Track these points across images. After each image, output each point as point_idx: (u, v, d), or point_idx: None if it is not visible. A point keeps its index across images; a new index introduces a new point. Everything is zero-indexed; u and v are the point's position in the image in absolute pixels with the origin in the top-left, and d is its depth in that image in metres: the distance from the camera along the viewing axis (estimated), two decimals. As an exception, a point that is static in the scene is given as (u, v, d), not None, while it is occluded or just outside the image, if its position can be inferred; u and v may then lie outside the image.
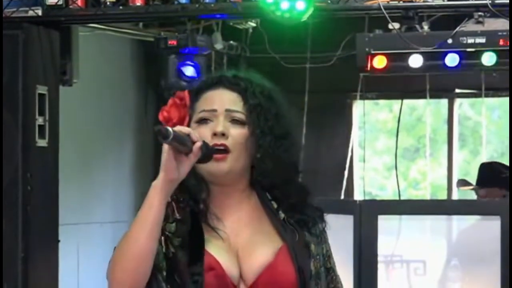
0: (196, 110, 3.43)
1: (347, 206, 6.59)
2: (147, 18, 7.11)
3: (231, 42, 8.11)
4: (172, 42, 6.95)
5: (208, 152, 3.31)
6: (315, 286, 3.44)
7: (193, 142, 3.25)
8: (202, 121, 3.39)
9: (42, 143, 6.05)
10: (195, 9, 6.71)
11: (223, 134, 3.34)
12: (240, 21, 7.54)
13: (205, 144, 3.29)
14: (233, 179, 3.40)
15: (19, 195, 5.95)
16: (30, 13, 6.25)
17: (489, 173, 7.69)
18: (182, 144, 3.24)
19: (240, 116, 3.38)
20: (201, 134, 3.33)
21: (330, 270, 3.52)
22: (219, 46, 7.60)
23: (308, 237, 3.45)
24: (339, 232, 6.52)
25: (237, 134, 3.36)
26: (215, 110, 3.38)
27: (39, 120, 6.03)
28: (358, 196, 9.22)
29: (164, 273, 3.33)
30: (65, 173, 6.30)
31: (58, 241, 6.25)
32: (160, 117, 3.51)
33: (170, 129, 3.18)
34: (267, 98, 3.44)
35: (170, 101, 3.51)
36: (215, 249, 3.36)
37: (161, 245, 3.32)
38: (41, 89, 6.05)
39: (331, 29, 7.33)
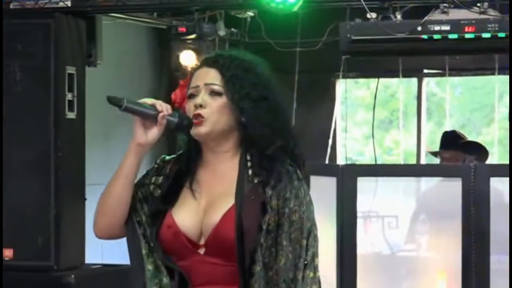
0: (189, 88, 3.40)
1: (331, 170, 6.55)
2: (160, 9, 7.16)
3: (232, 29, 8.07)
4: (182, 29, 6.98)
5: (180, 121, 3.33)
6: (272, 239, 3.28)
7: (158, 111, 3.28)
8: (190, 96, 3.35)
9: (71, 115, 6.03)
10: (202, 0, 6.76)
11: (200, 105, 3.29)
12: (240, 11, 7.53)
13: (178, 113, 3.33)
14: (215, 140, 3.34)
15: (51, 161, 5.93)
16: (61, 4, 6.22)
17: (451, 138, 7.68)
18: (142, 113, 3.30)
19: (217, 88, 3.31)
20: (189, 108, 3.33)
21: (293, 223, 3.30)
22: (222, 33, 7.59)
23: (269, 194, 3.29)
24: (324, 191, 6.47)
25: (214, 103, 3.30)
26: (197, 86, 3.34)
27: (68, 96, 6.01)
28: (340, 161, 9.19)
29: (143, 217, 3.38)
30: (90, 141, 6.27)
31: (85, 199, 6.22)
32: (172, 97, 3.55)
33: (121, 98, 3.26)
34: (244, 69, 3.36)
35: (180, 83, 3.52)
36: (181, 209, 3.34)
37: (142, 193, 3.39)
38: (70, 70, 6.02)
39: (317, 18, 7.30)
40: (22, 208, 5.91)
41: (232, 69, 3.35)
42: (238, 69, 3.36)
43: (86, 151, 6.24)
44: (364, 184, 6.36)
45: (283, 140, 3.37)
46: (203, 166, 3.39)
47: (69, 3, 6.21)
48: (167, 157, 3.47)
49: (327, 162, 8.47)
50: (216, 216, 3.26)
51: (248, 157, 3.34)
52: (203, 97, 3.32)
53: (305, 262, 3.30)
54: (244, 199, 3.28)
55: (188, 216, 3.32)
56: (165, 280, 3.35)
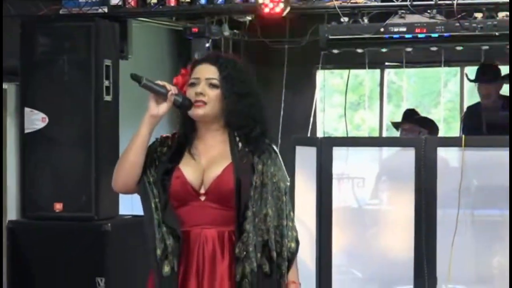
0: (190, 77, 3.52)
1: (312, 141, 6.54)
2: (178, 14, 7.15)
3: (235, 30, 8.04)
4: (195, 30, 6.99)
5: (183, 101, 3.44)
6: (259, 194, 3.43)
7: (168, 90, 3.39)
8: (191, 85, 3.49)
9: (108, 98, 6.05)
10: (211, 7, 6.74)
11: (201, 93, 3.44)
12: (241, 16, 7.51)
13: (182, 95, 3.45)
14: (209, 121, 3.49)
15: (92, 135, 5.94)
16: (100, 10, 6.23)
17: (410, 114, 7.75)
18: (156, 91, 3.40)
19: (215, 82, 3.47)
20: (190, 94, 3.46)
21: (275, 183, 3.48)
22: (226, 33, 7.56)
23: (256, 160, 3.46)
24: (306, 159, 6.48)
25: (212, 93, 3.46)
26: (199, 78, 3.48)
27: (106, 83, 6.02)
28: (319, 134, 9.20)
29: (151, 179, 3.44)
30: (122, 119, 6.26)
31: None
32: (174, 81, 3.59)
33: (141, 76, 3.39)
34: (236, 71, 3.51)
35: (181, 71, 3.61)
36: (186, 165, 3.45)
37: (149, 161, 3.46)
38: (107, 62, 6.03)
39: (302, 21, 7.28)
40: (70, 172, 5.94)
41: (228, 69, 3.49)
42: (232, 70, 3.50)
43: (119, 127, 6.24)
44: (338, 153, 6.35)
45: (261, 126, 3.52)
46: (198, 139, 3.52)
47: (106, 10, 6.22)
48: (165, 134, 3.57)
49: (309, 135, 8.47)
50: (216, 171, 3.41)
51: (236, 134, 3.50)
52: (203, 87, 3.45)
53: (286, 214, 3.48)
54: (238, 160, 3.43)
55: (191, 170, 3.43)
56: (165, 228, 3.42)
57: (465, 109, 8.10)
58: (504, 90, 7.73)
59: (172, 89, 3.43)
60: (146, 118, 3.44)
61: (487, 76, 7.47)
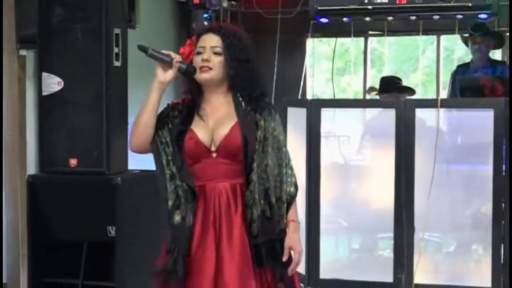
0: (196, 47, 3.58)
1: (303, 103, 6.54)
2: (182, -13, 7.16)
3: (232, 2, 8.00)
4: (196, 1, 6.96)
5: (187, 68, 3.49)
6: (262, 147, 3.51)
7: (172, 58, 3.47)
8: (198, 53, 3.55)
9: (117, 64, 5.99)
10: None
11: (207, 60, 3.51)
12: (238, -12, 7.50)
13: (185, 63, 3.51)
14: (215, 84, 3.55)
15: (103, 96, 5.89)
16: (109, -18, 6.15)
17: (387, 83, 7.63)
18: (162, 59, 3.45)
19: (219, 50, 3.53)
20: (196, 61, 3.53)
21: (275, 137, 3.56)
22: (225, 4, 7.53)
23: (258, 117, 3.53)
24: (298, 119, 6.47)
25: (216, 60, 3.53)
26: (204, 47, 3.55)
27: (115, 50, 5.96)
28: (309, 96, 9.19)
29: (163, 139, 3.52)
30: (130, 83, 6.23)
31: (127, 123, 6.22)
32: (180, 51, 3.68)
33: (148, 47, 3.46)
34: (237, 39, 3.57)
35: (186, 42, 3.68)
36: (197, 127, 3.52)
37: (161, 124, 3.53)
38: (117, 30, 5.96)
39: (293, -6, 7.28)
40: (83, 130, 5.91)
41: (230, 38, 3.55)
42: (233, 38, 3.56)
43: (128, 90, 6.21)
44: (326, 114, 6.35)
45: (260, 87, 3.61)
46: (205, 101, 3.58)
47: (116, -17, 6.15)
48: (175, 100, 3.64)
49: (299, 97, 8.46)
50: (224, 130, 3.48)
51: (239, 95, 3.57)
52: (208, 54, 3.52)
53: (285, 162, 3.57)
54: (243, 118, 3.50)
55: (202, 131, 3.50)
56: (178, 182, 3.50)
57: (455, 68, 7.97)
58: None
59: (177, 57, 3.48)
60: (154, 84, 3.51)
61: (480, 30, 7.37)
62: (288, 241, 3.55)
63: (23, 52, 6.61)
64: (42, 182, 5.99)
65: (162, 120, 3.55)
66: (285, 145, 3.60)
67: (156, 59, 3.48)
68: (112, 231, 5.81)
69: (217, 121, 3.53)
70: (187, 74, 3.52)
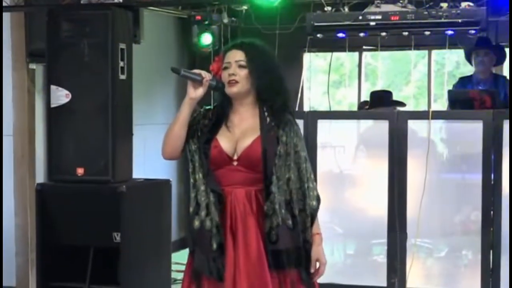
0: (223, 62, 3.67)
1: (300, 114, 6.53)
2: (183, 4, 7.15)
3: (233, 18, 8.01)
4: (198, 18, 6.97)
5: (217, 84, 3.60)
6: (283, 161, 3.57)
7: (203, 77, 3.55)
8: (225, 68, 3.64)
9: (122, 77, 6.01)
10: None
11: (233, 74, 3.60)
12: (238, 6, 7.49)
13: (215, 79, 3.61)
14: (242, 96, 3.64)
15: (109, 109, 5.90)
16: (116, 0, 6.19)
17: (378, 98, 7.61)
18: (193, 79, 3.55)
19: (243, 63, 3.61)
20: (224, 76, 3.63)
21: (296, 153, 3.62)
22: (225, 20, 7.55)
23: (280, 132, 3.59)
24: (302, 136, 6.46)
25: (242, 73, 3.61)
26: (230, 62, 3.64)
27: (121, 64, 5.98)
28: (306, 108, 9.19)
29: (192, 146, 3.62)
30: (135, 95, 6.23)
31: (132, 134, 6.22)
32: (210, 68, 3.84)
33: (180, 69, 3.55)
34: (259, 52, 3.66)
35: (215, 59, 3.82)
36: (222, 136, 3.60)
37: (194, 129, 3.63)
38: (122, 45, 5.98)
39: (291, 10, 7.27)
40: (90, 140, 5.92)
41: (252, 52, 3.64)
42: (256, 51, 3.66)
43: (133, 102, 6.22)
44: (322, 125, 6.35)
45: (284, 99, 3.67)
46: (233, 113, 3.67)
47: (121, 0, 6.18)
48: (207, 107, 3.71)
49: (297, 109, 8.47)
50: (247, 141, 3.58)
51: (265, 109, 3.63)
52: (234, 69, 3.62)
53: (307, 177, 3.63)
54: (266, 133, 3.58)
55: (226, 140, 3.61)
56: (202, 187, 3.58)
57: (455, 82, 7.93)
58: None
59: (207, 76, 3.59)
60: (186, 100, 3.59)
61: (484, 44, 7.34)
62: (315, 254, 3.66)
63: (32, 65, 6.63)
64: (50, 190, 5.99)
65: (192, 127, 3.65)
66: (306, 161, 3.65)
67: (188, 78, 3.59)
68: (117, 237, 5.81)
69: (242, 132, 3.62)
70: (217, 90, 3.66)
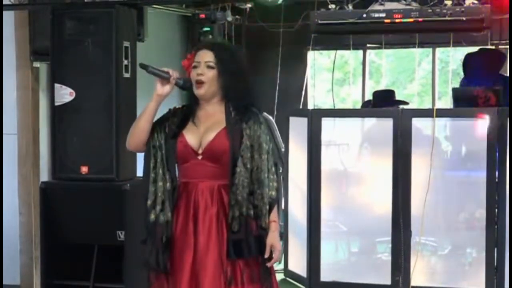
0: (194, 61, 3.78)
1: (304, 112, 6.54)
2: (187, 1, 7.13)
3: (237, 16, 7.99)
4: (202, 16, 6.96)
5: (184, 83, 3.74)
6: (247, 153, 3.69)
7: (170, 75, 3.69)
8: (194, 67, 3.76)
9: (126, 75, 5.99)
10: None
11: (201, 74, 3.74)
12: (241, 3, 7.48)
13: (182, 78, 3.74)
14: (209, 96, 3.78)
15: (113, 108, 5.90)
16: (120, -2, 6.18)
17: (381, 97, 7.60)
18: (160, 76, 3.69)
19: (212, 64, 3.75)
20: (193, 74, 3.74)
21: (260, 145, 3.72)
22: (229, 19, 7.51)
23: (244, 126, 3.72)
24: (299, 127, 6.48)
25: (209, 73, 3.74)
26: (199, 62, 3.77)
27: (125, 62, 5.96)
28: (310, 106, 9.19)
29: (156, 143, 3.73)
30: (139, 92, 6.21)
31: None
32: (182, 63, 3.86)
33: (148, 65, 3.71)
34: (228, 53, 3.79)
35: (187, 56, 3.84)
36: (188, 131, 3.74)
37: (159, 128, 3.75)
38: (126, 43, 5.96)
39: (295, 8, 7.27)
40: (94, 140, 5.92)
41: (221, 53, 3.77)
42: (225, 53, 3.79)
43: (137, 100, 6.21)
44: (326, 122, 6.36)
45: (249, 98, 3.79)
46: (200, 109, 3.81)
47: (125, -2, 6.17)
48: (177, 106, 3.87)
49: (301, 107, 8.47)
50: (211, 135, 3.71)
51: (230, 106, 3.77)
52: (202, 69, 3.74)
53: (268, 168, 3.75)
54: (231, 127, 3.72)
55: (192, 135, 3.75)
56: (160, 183, 3.74)
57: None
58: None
59: (174, 74, 3.72)
60: (154, 96, 3.74)
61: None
62: (269, 240, 3.72)
63: (36, 64, 6.63)
64: (54, 189, 5.99)
65: (161, 123, 3.78)
66: (267, 153, 3.76)
67: (155, 75, 3.72)
68: (121, 235, 5.81)
69: (207, 127, 3.74)
70: (184, 89, 3.78)
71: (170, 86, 3.73)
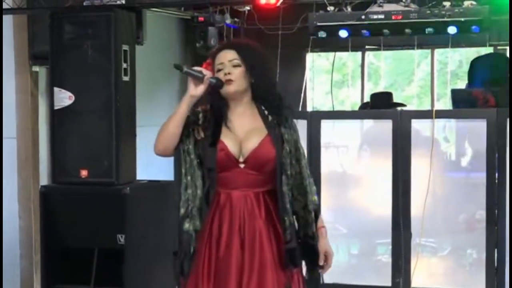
0: (215, 65, 3.61)
1: (303, 114, 6.54)
2: (186, 4, 7.13)
3: (235, 19, 8.00)
4: (201, 19, 6.96)
5: (217, 82, 3.51)
6: (289, 158, 3.54)
7: (204, 75, 3.48)
8: (218, 70, 3.58)
9: (125, 78, 6.00)
10: None
11: (229, 73, 3.55)
12: (240, 6, 7.47)
13: (215, 77, 3.52)
14: (239, 96, 3.58)
15: (113, 109, 5.92)
16: (118, 2, 6.15)
17: (379, 100, 7.60)
18: (194, 76, 3.48)
19: (237, 62, 3.57)
20: (219, 77, 3.54)
21: (297, 149, 3.60)
22: (228, 21, 7.52)
23: (283, 130, 3.56)
24: (299, 130, 6.45)
25: (236, 71, 3.56)
26: (223, 63, 3.58)
27: (124, 65, 5.97)
28: (309, 108, 9.19)
29: (185, 147, 3.54)
30: (138, 96, 6.22)
31: (135, 135, 6.21)
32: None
33: (182, 65, 3.50)
34: (251, 51, 3.62)
35: (204, 64, 3.85)
36: (226, 138, 3.52)
37: (187, 132, 3.54)
38: (125, 47, 5.97)
39: (293, 10, 7.24)
40: (93, 142, 5.92)
41: (243, 50, 3.60)
42: (247, 49, 3.62)
43: (136, 103, 6.21)
44: (325, 125, 6.36)
45: (279, 93, 3.63)
46: (231, 112, 3.60)
47: (124, 1, 6.15)
48: (199, 109, 3.61)
49: (300, 109, 8.47)
50: (253, 143, 3.52)
51: (263, 107, 3.59)
52: (229, 68, 3.56)
53: (308, 173, 3.62)
54: (273, 133, 3.55)
55: (231, 142, 3.53)
56: (189, 190, 3.55)
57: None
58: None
59: (208, 74, 3.51)
60: (186, 97, 3.52)
61: None
62: (323, 246, 3.64)
63: (35, 68, 6.63)
64: (54, 192, 5.99)
65: (188, 127, 3.56)
66: (305, 157, 3.64)
67: (189, 75, 3.51)
68: (121, 238, 5.80)
69: (246, 133, 3.55)
70: (216, 88, 3.56)
71: (204, 86, 3.50)
